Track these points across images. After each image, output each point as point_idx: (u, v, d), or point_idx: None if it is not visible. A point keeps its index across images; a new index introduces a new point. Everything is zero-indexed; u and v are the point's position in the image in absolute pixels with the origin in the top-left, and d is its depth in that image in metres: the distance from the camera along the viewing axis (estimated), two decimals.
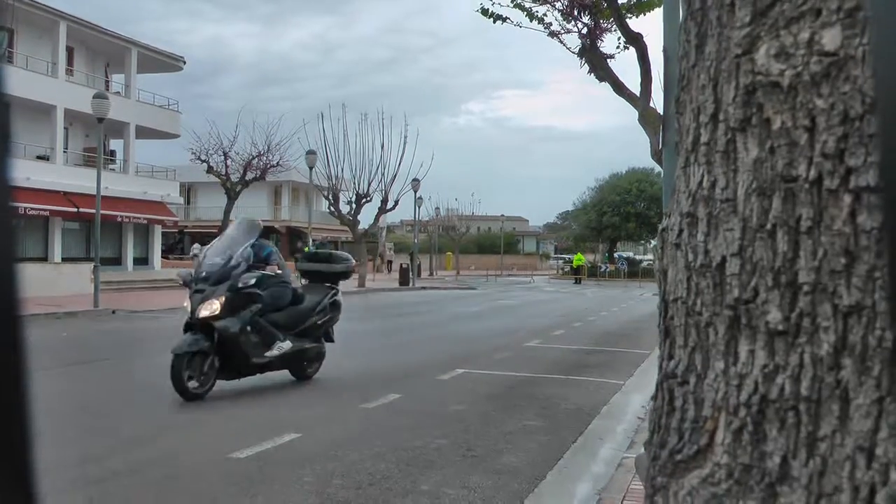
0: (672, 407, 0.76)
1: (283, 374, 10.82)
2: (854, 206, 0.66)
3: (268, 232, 56.33)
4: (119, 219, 34.99)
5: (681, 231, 0.76)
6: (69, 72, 35.06)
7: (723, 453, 0.70)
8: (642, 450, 4.70)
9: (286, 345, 9.76)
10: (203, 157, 28.24)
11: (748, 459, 0.69)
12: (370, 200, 37.86)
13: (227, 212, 27.80)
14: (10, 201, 0.49)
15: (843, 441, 0.65)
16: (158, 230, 40.45)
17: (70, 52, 35.37)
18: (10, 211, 0.48)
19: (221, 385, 10.17)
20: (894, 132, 0.52)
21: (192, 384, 8.74)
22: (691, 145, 0.76)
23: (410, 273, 39.83)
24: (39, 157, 32.67)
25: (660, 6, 11.39)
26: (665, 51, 5.07)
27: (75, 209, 31.64)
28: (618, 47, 13.47)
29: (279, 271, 9.98)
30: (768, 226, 0.70)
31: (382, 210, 39.11)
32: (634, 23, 12.47)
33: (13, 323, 0.48)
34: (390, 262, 48.66)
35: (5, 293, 0.48)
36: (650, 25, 14.42)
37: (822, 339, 0.67)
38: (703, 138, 0.74)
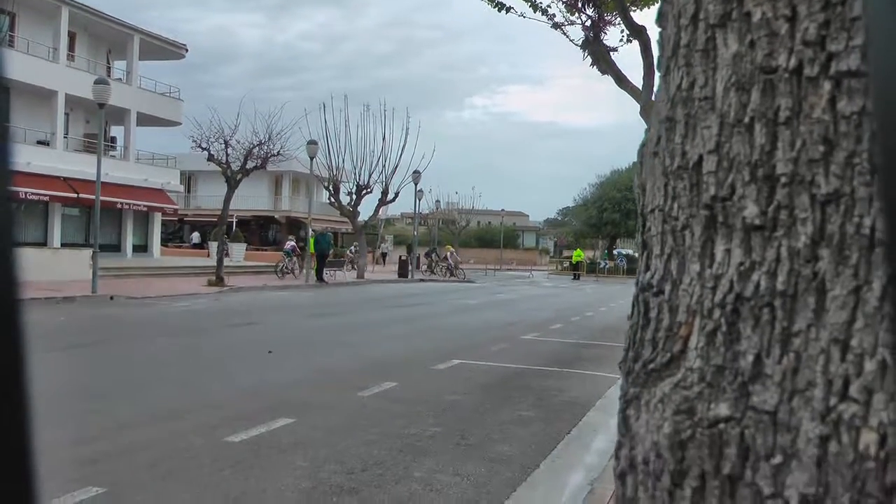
0: (647, 319, 0.75)
1: (279, 363, 10.83)
2: (834, 93, 0.64)
3: (268, 222, 56.45)
4: (119, 205, 34.97)
5: (659, 139, 0.75)
6: (70, 57, 34.99)
7: (696, 357, 0.69)
8: None
9: None
10: (204, 145, 28.17)
11: (721, 361, 0.67)
12: (370, 192, 37.86)
13: (227, 200, 27.73)
14: (11, 186, 0.48)
15: (818, 335, 0.64)
16: (158, 218, 40.45)
17: (72, 37, 35.29)
18: (10, 195, 0.48)
19: (217, 371, 10.19)
20: (883, 22, 0.51)
21: None
22: (672, 51, 0.74)
23: (409, 265, 39.81)
24: (40, 143, 32.63)
25: None
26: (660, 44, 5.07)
27: (75, 195, 31.61)
28: (621, 40, 13.51)
29: None
30: (746, 119, 0.68)
31: (382, 202, 39.10)
32: (638, 15, 12.49)
33: (12, 306, 0.48)
34: (384, 255, 48.53)
35: (5, 277, 0.48)
36: (654, 18, 14.33)
37: (800, 231, 0.65)
38: (684, 41, 0.73)
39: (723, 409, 0.66)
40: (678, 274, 0.72)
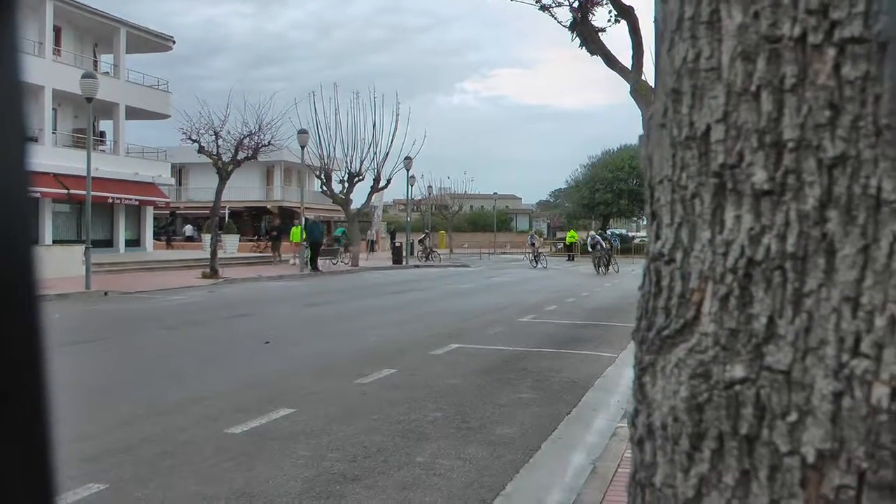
0: (659, 288, 0.77)
1: (277, 353, 10.86)
2: (838, 59, 0.67)
3: (260, 213, 56.28)
4: (110, 200, 34.84)
5: (665, 110, 0.77)
6: (56, 52, 34.74)
7: (709, 322, 0.71)
8: None
9: None
10: (194, 137, 28.05)
11: (734, 324, 0.70)
12: (363, 179, 37.78)
13: (218, 192, 27.66)
14: (28, 186, 0.50)
15: (829, 294, 0.66)
16: (150, 211, 40.34)
17: (57, 31, 35.02)
18: (28, 196, 0.49)
19: (215, 363, 10.21)
20: None
21: None
22: (676, 24, 0.76)
23: (404, 252, 39.72)
24: (28, 139, 32.40)
25: None
26: (657, 22, 5.08)
27: (66, 191, 31.43)
28: (609, 20, 13.47)
29: None
30: (752, 88, 0.70)
31: (375, 189, 39.02)
32: None
33: (32, 305, 0.49)
34: (373, 242, 48.47)
35: (24, 276, 0.49)
36: None
37: (808, 194, 0.68)
38: (688, 14, 0.75)
39: (738, 371, 0.69)
40: (689, 242, 0.74)
